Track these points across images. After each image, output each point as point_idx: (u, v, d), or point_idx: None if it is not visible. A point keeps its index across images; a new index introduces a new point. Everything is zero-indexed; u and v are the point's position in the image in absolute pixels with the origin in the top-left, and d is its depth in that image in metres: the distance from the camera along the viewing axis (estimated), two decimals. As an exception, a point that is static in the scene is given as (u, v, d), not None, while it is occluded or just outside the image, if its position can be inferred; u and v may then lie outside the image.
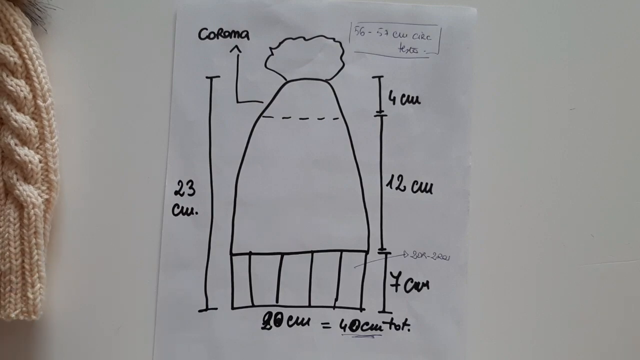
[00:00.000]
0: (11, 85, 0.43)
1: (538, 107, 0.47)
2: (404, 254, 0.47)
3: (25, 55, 0.43)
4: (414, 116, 0.47)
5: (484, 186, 0.47)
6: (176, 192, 0.46)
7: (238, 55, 0.47)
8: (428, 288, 0.46)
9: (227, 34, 0.47)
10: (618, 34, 0.48)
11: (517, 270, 0.47)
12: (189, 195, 0.46)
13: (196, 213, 0.46)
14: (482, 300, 0.47)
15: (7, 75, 0.43)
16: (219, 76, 0.47)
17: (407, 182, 0.47)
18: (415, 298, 0.46)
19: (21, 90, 0.43)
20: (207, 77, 0.47)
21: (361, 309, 0.46)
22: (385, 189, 0.47)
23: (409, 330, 0.46)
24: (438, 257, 0.47)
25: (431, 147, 0.47)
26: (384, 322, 0.46)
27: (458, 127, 0.47)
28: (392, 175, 0.47)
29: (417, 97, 0.47)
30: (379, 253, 0.47)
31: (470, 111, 0.47)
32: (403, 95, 0.47)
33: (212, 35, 0.47)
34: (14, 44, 0.43)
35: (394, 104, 0.47)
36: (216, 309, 0.46)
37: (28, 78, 0.43)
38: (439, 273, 0.46)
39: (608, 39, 0.48)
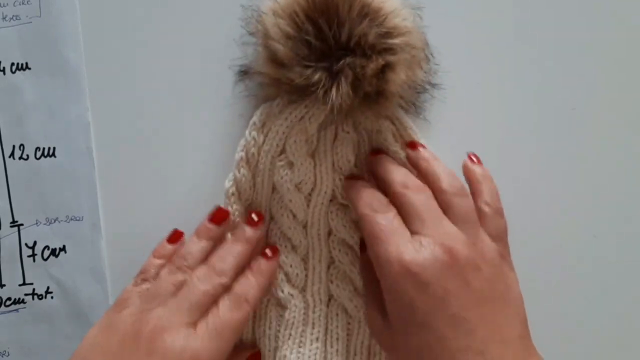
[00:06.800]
0: None
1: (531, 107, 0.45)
2: (37, 223, 0.46)
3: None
4: (25, 83, 0.46)
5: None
6: None
7: None
8: (65, 252, 0.46)
9: None
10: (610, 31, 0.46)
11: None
12: None
13: None
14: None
15: None
16: None
17: (30, 150, 0.46)
18: (54, 265, 0.46)
19: None
20: None
21: (1, 286, 0.45)
22: (9, 160, 0.46)
23: (52, 297, 0.46)
24: (71, 219, 0.46)
25: (49, 110, 0.46)
26: (26, 294, 0.46)
27: (72, 86, 0.46)
28: (14, 146, 0.46)
29: (27, 64, 0.46)
30: (11, 226, 0.46)
31: (82, 68, 0.46)
32: (12, 64, 0.46)
33: None
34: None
35: (4, 74, 0.46)
36: None
37: None
38: (74, 235, 0.46)
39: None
